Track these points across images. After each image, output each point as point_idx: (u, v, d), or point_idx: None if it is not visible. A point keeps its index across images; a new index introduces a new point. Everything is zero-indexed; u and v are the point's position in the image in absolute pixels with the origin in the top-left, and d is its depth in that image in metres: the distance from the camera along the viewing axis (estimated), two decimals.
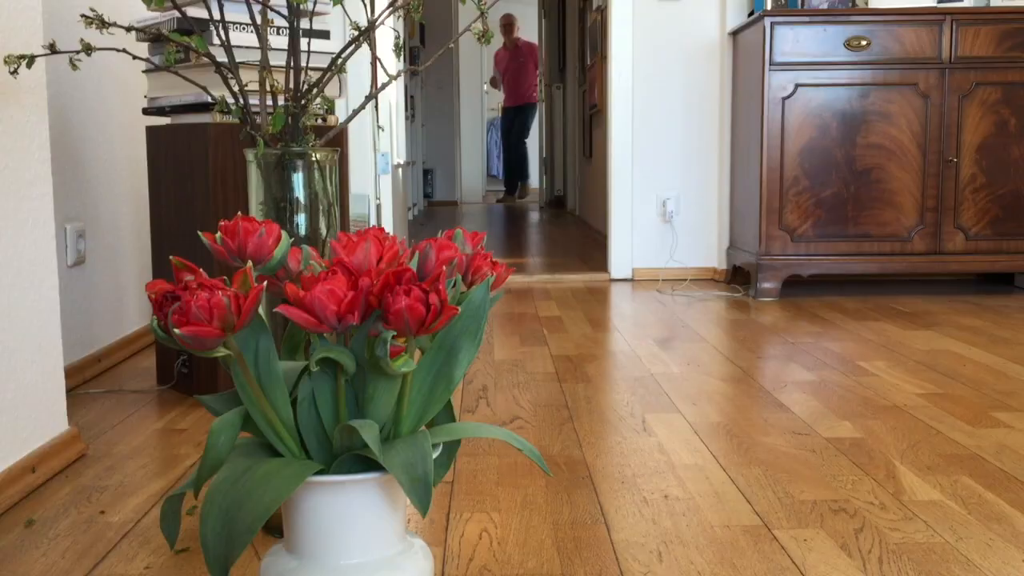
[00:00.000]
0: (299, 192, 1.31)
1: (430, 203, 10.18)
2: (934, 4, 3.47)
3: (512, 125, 10.27)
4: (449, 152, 10.43)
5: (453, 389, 0.98)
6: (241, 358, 0.87)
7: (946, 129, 3.41)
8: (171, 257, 0.89)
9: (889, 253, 3.46)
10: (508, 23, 9.98)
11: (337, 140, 1.99)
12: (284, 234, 1.02)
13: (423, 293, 0.86)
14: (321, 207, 1.34)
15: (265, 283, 0.88)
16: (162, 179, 2.08)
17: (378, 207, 4.07)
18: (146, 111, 2.11)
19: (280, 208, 1.31)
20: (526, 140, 10.33)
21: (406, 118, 6.22)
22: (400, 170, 4.90)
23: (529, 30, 10.49)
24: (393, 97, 4.57)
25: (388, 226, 4.12)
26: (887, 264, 3.47)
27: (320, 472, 0.90)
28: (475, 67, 11.36)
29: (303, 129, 1.30)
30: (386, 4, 1.15)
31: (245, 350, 0.90)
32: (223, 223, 0.99)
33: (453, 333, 0.96)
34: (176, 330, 0.80)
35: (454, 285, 1.01)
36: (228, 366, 0.91)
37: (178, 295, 0.84)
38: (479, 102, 11.52)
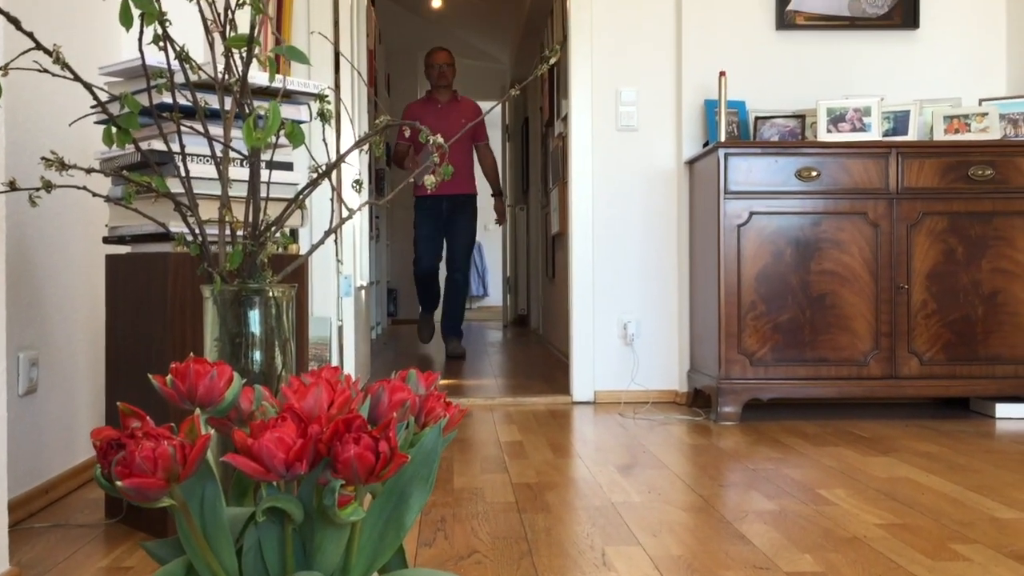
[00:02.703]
0: (255, 328, 1.31)
1: (394, 321, 10.17)
2: (879, 138, 3.61)
3: (442, 228, 5.99)
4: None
5: (404, 535, 0.96)
6: (185, 508, 0.86)
7: (896, 256, 3.51)
8: (118, 403, 0.89)
9: (846, 377, 3.50)
10: (443, 62, 5.91)
11: (298, 269, 2.00)
12: (236, 376, 1.01)
13: (373, 441, 0.85)
14: (277, 342, 1.34)
15: (212, 431, 0.87)
16: (119, 308, 2.07)
17: (340, 329, 4.06)
18: (106, 240, 2.11)
19: (236, 344, 1.31)
20: (467, 264, 6.08)
21: (370, 238, 6.25)
22: (363, 291, 4.91)
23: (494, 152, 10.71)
24: (357, 221, 4.62)
25: (349, 348, 4.10)
26: (844, 388, 3.50)
27: None
28: None
29: (260, 265, 1.31)
30: (349, 146, 1.18)
31: (190, 498, 0.88)
32: (174, 365, 0.99)
33: (404, 478, 0.95)
34: (119, 482, 0.78)
35: (407, 427, 1.01)
36: (173, 513, 0.89)
37: (123, 443, 0.83)
38: None
